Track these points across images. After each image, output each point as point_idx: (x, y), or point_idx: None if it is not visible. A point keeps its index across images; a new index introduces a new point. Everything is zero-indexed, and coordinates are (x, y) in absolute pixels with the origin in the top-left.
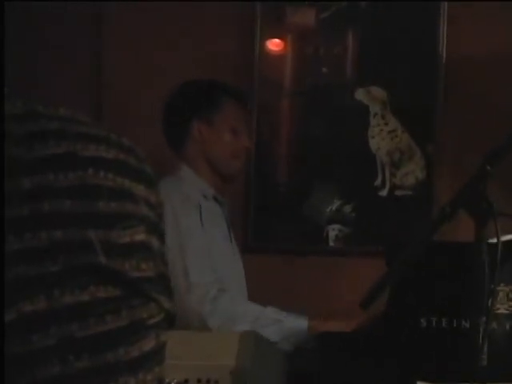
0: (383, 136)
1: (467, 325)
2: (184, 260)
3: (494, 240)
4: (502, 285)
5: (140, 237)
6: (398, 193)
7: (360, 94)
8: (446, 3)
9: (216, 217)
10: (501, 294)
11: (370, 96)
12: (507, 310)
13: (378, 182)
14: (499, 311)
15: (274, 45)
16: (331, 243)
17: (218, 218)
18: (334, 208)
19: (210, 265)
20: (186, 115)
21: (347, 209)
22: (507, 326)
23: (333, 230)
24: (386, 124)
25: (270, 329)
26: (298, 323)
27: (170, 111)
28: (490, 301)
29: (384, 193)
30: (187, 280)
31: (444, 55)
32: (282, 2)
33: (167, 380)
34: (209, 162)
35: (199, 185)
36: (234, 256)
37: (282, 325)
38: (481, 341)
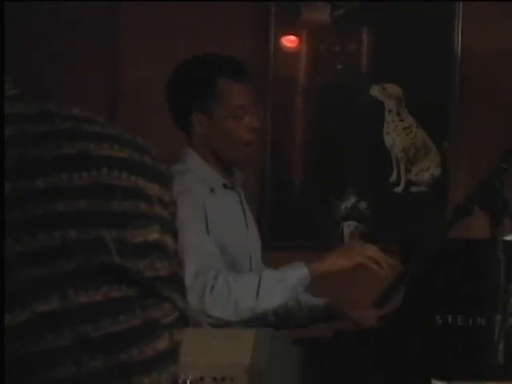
0: (398, 132)
1: (483, 322)
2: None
3: (510, 237)
4: None
5: (154, 236)
6: (413, 189)
7: (375, 91)
8: None
9: (226, 208)
10: None
11: (386, 93)
12: None
13: (393, 178)
14: None
15: (289, 42)
16: (347, 240)
17: (230, 208)
18: (349, 205)
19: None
20: (185, 110)
21: (362, 205)
22: None
23: (348, 227)
24: (402, 120)
25: (275, 291)
26: (298, 273)
27: (170, 106)
28: (505, 298)
29: (399, 189)
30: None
31: (459, 51)
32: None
33: (182, 377)
34: (215, 153)
35: (205, 174)
36: (248, 245)
37: (286, 283)
38: (496, 338)
